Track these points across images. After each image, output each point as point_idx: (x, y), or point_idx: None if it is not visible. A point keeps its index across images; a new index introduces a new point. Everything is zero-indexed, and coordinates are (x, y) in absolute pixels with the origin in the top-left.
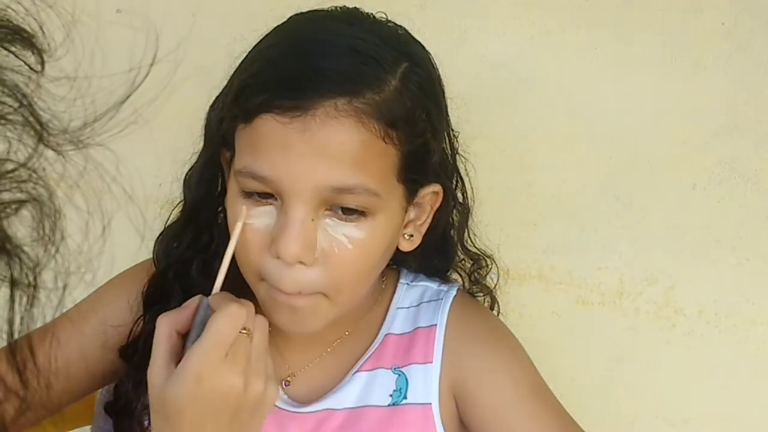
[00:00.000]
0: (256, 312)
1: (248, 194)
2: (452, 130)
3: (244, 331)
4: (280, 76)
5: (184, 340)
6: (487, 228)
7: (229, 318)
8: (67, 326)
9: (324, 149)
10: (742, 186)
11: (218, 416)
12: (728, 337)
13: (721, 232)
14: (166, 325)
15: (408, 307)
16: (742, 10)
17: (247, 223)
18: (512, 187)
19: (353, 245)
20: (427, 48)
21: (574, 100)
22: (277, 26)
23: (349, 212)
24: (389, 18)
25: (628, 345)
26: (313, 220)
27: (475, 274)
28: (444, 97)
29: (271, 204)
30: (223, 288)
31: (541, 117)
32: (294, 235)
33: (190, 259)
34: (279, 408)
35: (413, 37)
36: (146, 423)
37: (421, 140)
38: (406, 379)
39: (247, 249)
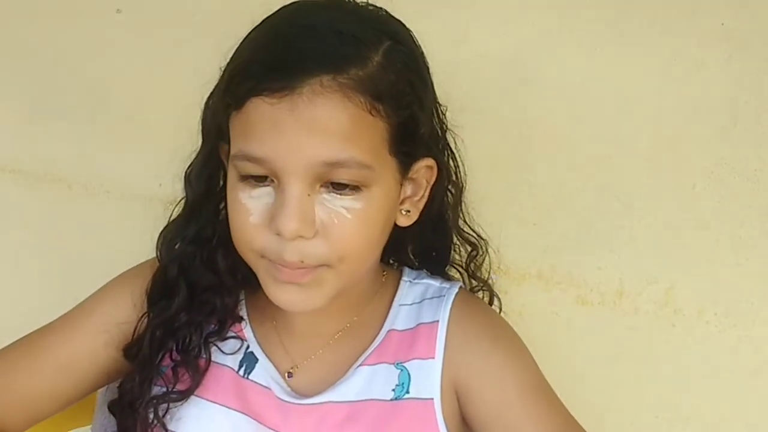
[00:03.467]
0: (257, 294)
1: (245, 178)
2: (439, 105)
3: None
4: (266, 61)
5: None
6: (487, 228)
7: None
8: (71, 324)
9: (313, 125)
10: (742, 186)
11: None
12: (728, 337)
13: (721, 232)
14: None
15: (410, 304)
16: (742, 10)
17: (245, 203)
18: (512, 187)
19: (352, 215)
20: (428, 48)
21: (574, 100)
22: (265, 18)
23: (344, 187)
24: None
25: (628, 345)
26: (309, 195)
27: (473, 263)
28: (428, 72)
29: (268, 185)
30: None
31: (541, 117)
32: (292, 210)
33: (193, 253)
34: (282, 400)
35: (394, 17)
36: (151, 417)
37: (408, 112)
38: (409, 374)
39: (248, 229)
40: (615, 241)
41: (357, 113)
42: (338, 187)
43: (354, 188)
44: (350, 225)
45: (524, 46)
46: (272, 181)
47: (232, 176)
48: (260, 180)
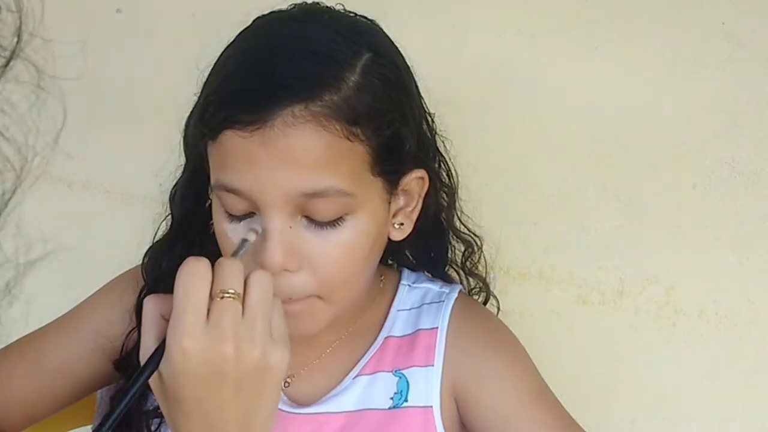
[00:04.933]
0: None
1: (229, 213)
2: (427, 113)
3: (229, 294)
4: (237, 91)
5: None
6: (488, 228)
7: (190, 276)
8: (66, 328)
9: (287, 158)
10: (742, 186)
11: (218, 389)
12: (728, 336)
13: (721, 231)
14: (153, 308)
15: (409, 309)
16: (742, 9)
17: (230, 237)
18: (512, 187)
19: (336, 246)
20: (428, 48)
21: (574, 100)
22: (240, 32)
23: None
24: (387, 17)
25: (628, 344)
26: (291, 227)
27: (468, 261)
28: (414, 82)
29: (251, 216)
30: None
31: (541, 117)
32: (274, 244)
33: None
34: (279, 409)
35: (375, 26)
36: (152, 428)
37: (390, 131)
38: (408, 382)
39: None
40: (615, 240)
41: (333, 141)
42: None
43: (337, 218)
44: (336, 256)
45: (524, 45)
46: (254, 213)
47: (216, 204)
48: (245, 215)
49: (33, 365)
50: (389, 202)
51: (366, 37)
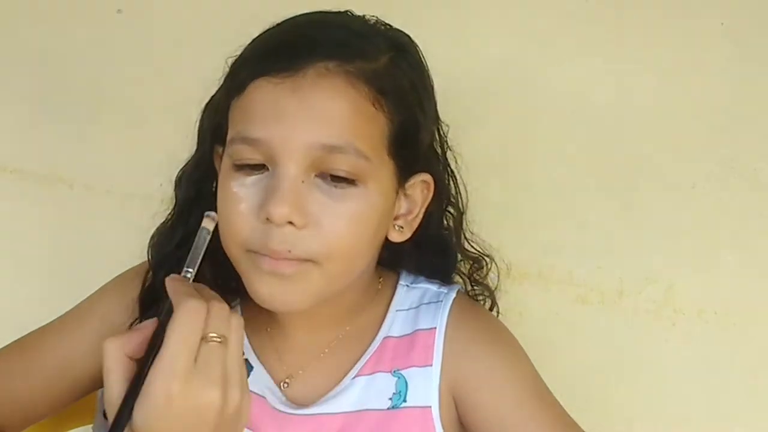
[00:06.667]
0: (239, 299)
1: (240, 167)
2: (440, 123)
3: (215, 338)
4: (273, 45)
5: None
6: (488, 228)
7: (189, 315)
8: (67, 326)
9: (315, 108)
10: (742, 186)
11: None
12: (728, 336)
13: (721, 232)
14: (115, 350)
15: (407, 309)
16: (742, 10)
17: (236, 191)
18: (512, 187)
19: (345, 211)
20: (428, 48)
21: (574, 100)
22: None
23: (339, 180)
24: (389, 17)
25: (628, 344)
26: (303, 182)
27: (476, 274)
28: (432, 89)
29: (262, 173)
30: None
31: (541, 117)
32: (284, 193)
33: (181, 258)
34: (278, 410)
35: (402, 32)
36: None
37: (410, 113)
38: (406, 382)
39: (236, 218)
40: (615, 240)
41: (360, 102)
42: (334, 179)
43: (350, 182)
44: (343, 220)
45: (524, 46)
46: (267, 169)
47: (225, 167)
48: (255, 168)
49: (32, 365)
50: (396, 192)
51: (395, 39)
